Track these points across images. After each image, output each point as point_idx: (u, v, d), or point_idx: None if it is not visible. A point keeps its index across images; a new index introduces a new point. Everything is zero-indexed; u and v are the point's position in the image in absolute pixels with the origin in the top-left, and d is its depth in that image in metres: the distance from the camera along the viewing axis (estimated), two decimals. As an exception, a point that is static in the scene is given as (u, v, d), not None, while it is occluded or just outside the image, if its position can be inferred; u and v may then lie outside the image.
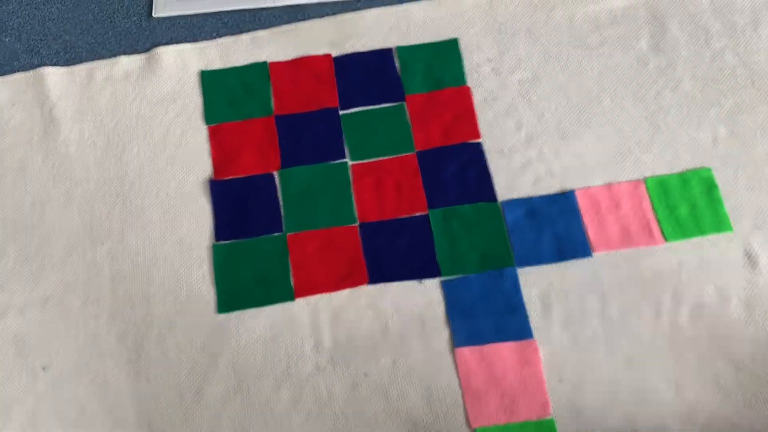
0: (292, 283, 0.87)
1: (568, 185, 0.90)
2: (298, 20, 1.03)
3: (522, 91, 0.95)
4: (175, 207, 0.91)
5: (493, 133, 0.94)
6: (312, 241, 0.89)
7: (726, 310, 0.82)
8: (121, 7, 1.06)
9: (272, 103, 0.98)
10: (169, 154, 0.95)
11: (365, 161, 0.94)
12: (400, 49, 1.00)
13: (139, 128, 0.96)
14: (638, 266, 0.85)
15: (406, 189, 0.91)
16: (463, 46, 0.99)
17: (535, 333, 0.82)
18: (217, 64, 1.00)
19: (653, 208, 0.87)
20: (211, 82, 0.99)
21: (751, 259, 0.84)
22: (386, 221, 0.90)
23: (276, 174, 0.93)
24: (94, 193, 0.93)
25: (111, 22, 1.05)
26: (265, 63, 1.00)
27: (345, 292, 0.87)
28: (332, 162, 0.94)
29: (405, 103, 0.97)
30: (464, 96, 0.96)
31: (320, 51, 1.01)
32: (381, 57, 1.00)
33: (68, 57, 1.03)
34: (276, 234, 0.90)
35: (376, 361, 0.83)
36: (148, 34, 1.04)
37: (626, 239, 0.86)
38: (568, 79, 0.96)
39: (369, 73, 0.99)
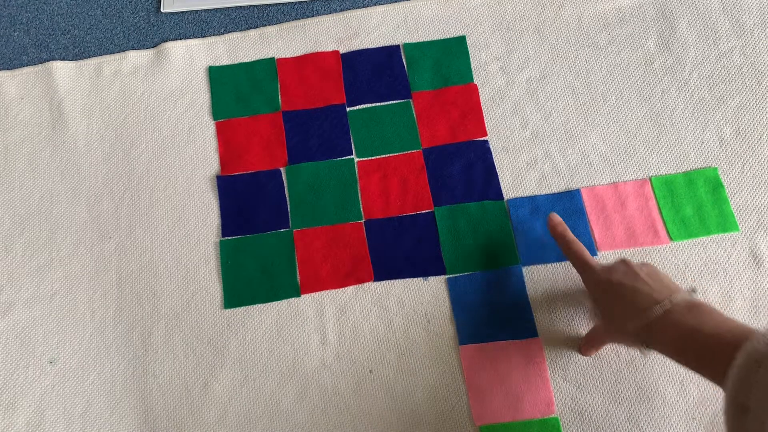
0: (298, 279, 0.87)
1: (573, 184, 0.90)
2: (306, 16, 1.03)
3: (529, 90, 0.95)
4: (183, 202, 0.92)
5: (500, 131, 0.94)
6: (318, 237, 0.89)
7: (731, 310, 0.82)
8: (130, 2, 1.06)
9: (279, 99, 0.98)
10: (177, 150, 0.95)
11: (371, 158, 0.94)
12: (407, 46, 1.00)
13: (148, 123, 0.97)
14: (643, 265, 0.85)
15: (412, 186, 0.92)
16: (471, 44, 0.99)
17: (540, 331, 0.83)
18: (224, 60, 1.01)
19: (659, 207, 0.87)
20: (219, 77, 0.99)
21: (756, 259, 0.84)
22: (392, 218, 0.90)
23: (283, 170, 0.93)
24: (102, 188, 0.93)
25: (119, 17, 1.05)
26: (272, 59, 1.00)
27: (350, 289, 0.87)
28: (339, 158, 0.94)
29: (411, 100, 0.97)
30: (471, 94, 0.96)
31: (328, 47, 1.01)
32: (388, 54, 1.00)
33: (77, 51, 1.03)
34: (282, 230, 0.90)
35: (381, 358, 0.83)
36: (156, 30, 1.04)
37: (631, 239, 0.86)
38: (575, 78, 0.96)
39: (376, 70, 0.99)
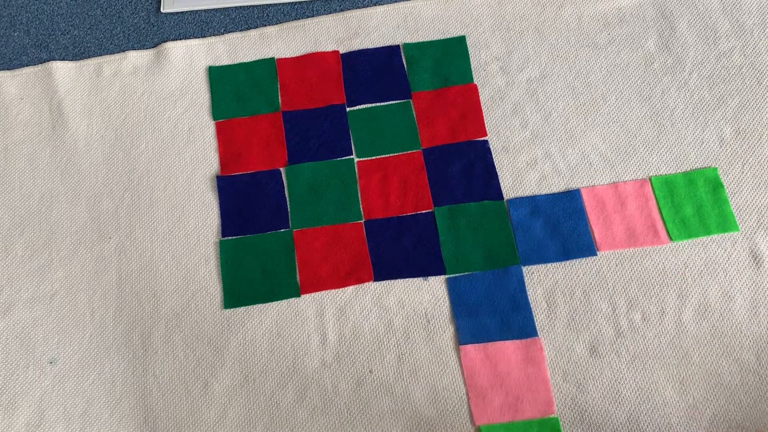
0: (298, 279, 0.87)
1: (573, 184, 0.90)
2: (306, 17, 1.03)
3: (529, 90, 0.95)
4: (183, 202, 0.92)
5: (500, 132, 0.94)
6: (318, 237, 0.89)
7: (730, 310, 0.82)
8: (130, 2, 1.06)
9: (279, 99, 0.98)
10: (177, 150, 0.95)
11: (371, 158, 0.94)
12: (407, 46, 1.00)
13: (147, 123, 0.97)
14: (643, 266, 0.85)
15: (412, 186, 0.91)
16: (471, 44, 0.99)
17: (540, 331, 0.83)
18: (224, 60, 1.01)
19: (659, 207, 0.87)
20: (219, 77, 0.99)
21: (756, 259, 0.84)
22: (392, 218, 0.90)
23: (283, 170, 0.93)
24: (102, 188, 0.93)
25: (119, 17, 1.05)
26: (272, 59, 1.00)
27: (350, 289, 0.87)
28: (339, 158, 0.94)
29: (411, 101, 0.97)
30: (471, 94, 0.96)
31: (328, 47, 1.01)
32: (388, 54, 1.00)
33: (76, 52, 1.03)
34: (282, 230, 0.90)
35: (381, 358, 0.83)
36: (156, 30, 1.04)
37: (631, 239, 0.86)
38: (575, 78, 0.96)
39: (376, 70, 0.99)
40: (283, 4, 1.04)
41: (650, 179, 0.89)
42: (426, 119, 0.95)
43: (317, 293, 0.87)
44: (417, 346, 0.83)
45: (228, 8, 1.04)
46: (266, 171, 0.93)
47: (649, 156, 0.91)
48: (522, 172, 0.91)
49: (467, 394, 0.81)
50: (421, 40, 1.00)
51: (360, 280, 0.87)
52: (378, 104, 0.97)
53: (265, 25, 1.03)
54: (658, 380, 0.79)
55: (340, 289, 0.87)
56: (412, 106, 0.96)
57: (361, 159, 0.94)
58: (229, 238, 0.90)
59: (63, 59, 1.02)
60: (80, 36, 1.04)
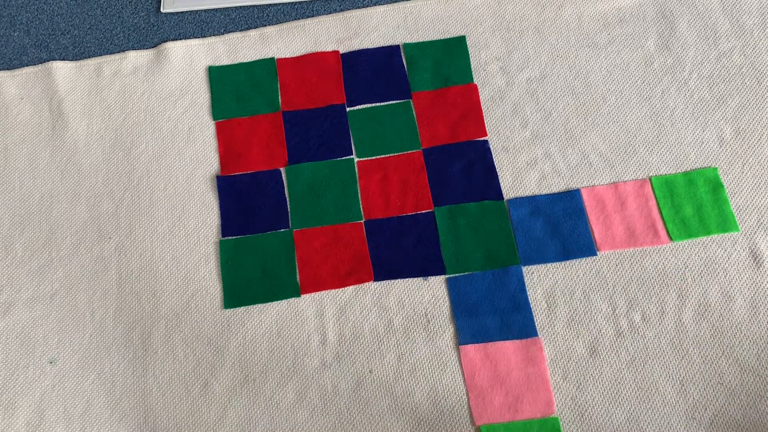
0: (298, 279, 0.87)
1: (573, 184, 0.90)
2: (306, 16, 1.03)
3: (529, 90, 0.95)
4: (183, 202, 0.92)
5: (500, 132, 0.94)
6: (318, 237, 0.89)
7: (730, 310, 0.82)
8: (130, 2, 1.06)
9: (279, 99, 0.98)
10: (177, 150, 0.95)
11: (371, 158, 0.94)
12: (407, 46, 1.00)
13: (148, 123, 0.97)
14: (643, 266, 0.85)
15: (412, 186, 0.91)
16: (471, 44, 0.99)
17: (540, 331, 0.83)
18: (224, 60, 1.01)
19: (659, 207, 0.87)
20: (219, 77, 0.99)
21: (756, 259, 0.84)
22: (392, 218, 0.90)
23: (283, 170, 0.93)
24: (102, 188, 0.93)
25: (119, 17, 1.05)
26: (272, 59, 1.00)
27: (350, 289, 0.87)
28: (339, 158, 0.94)
29: (411, 100, 0.97)
30: (471, 94, 0.96)
31: (328, 47, 1.01)
32: (388, 54, 1.00)
33: (77, 52, 1.03)
34: (282, 230, 0.90)
35: (381, 358, 0.83)
36: (156, 30, 1.04)
37: (631, 239, 0.86)
38: (575, 78, 0.96)
39: (376, 70, 0.99)
40: (283, 4, 1.04)
41: (650, 179, 0.89)
42: (426, 119, 0.95)
43: (317, 293, 0.87)
44: (417, 346, 0.83)
45: (228, 8, 1.04)
46: (266, 171, 0.93)
47: (649, 156, 0.91)
48: (522, 172, 0.91)
49: (467, 394, 0.81)
50: (421, 40, 1.00)
51: (360, 280, 0.87)
52: (378, 104, 0.97)
53: (265, 25, 1.03)
54: (658, 380, 0.79)
55: (340, 289, 0.87)
56: (412, 106, 0.96)
57: (361, 159, 0.94)
58: (229, 238, 0.90)
59: (63, 59, 1.02)
60: (80, 36, 1.04)
